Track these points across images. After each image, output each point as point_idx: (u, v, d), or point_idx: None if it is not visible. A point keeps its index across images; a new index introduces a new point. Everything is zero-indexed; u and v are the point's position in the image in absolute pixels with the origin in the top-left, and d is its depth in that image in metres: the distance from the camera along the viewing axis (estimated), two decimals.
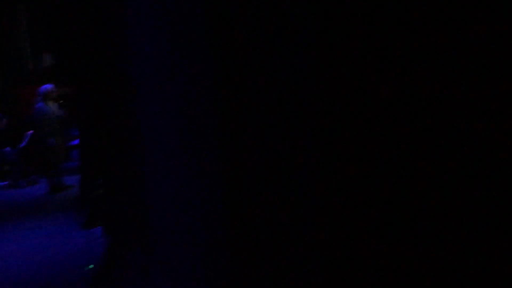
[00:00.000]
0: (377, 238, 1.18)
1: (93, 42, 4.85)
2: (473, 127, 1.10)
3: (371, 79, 1.17)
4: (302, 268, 1.27)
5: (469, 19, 1.09)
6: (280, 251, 1.32)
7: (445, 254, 1.13)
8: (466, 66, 1.11)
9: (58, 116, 7.67)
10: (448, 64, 1.12)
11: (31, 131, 8.61)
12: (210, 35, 1.46)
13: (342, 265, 1.20)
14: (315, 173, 1.21)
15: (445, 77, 1.12)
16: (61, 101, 8.08)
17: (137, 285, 2.98)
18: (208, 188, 1.65)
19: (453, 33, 1.10)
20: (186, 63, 1.71)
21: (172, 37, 1.84)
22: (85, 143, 6.89)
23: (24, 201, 7.23)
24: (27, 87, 10.63)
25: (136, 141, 2.84)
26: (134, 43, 2.57)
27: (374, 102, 1.17)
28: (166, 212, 2.26)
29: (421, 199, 1.15)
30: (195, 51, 1.61)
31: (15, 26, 10.89)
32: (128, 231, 3.72)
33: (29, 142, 8.56)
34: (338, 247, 1.19)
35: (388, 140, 1.17)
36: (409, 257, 1.15)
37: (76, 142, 10.98)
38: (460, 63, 1.11)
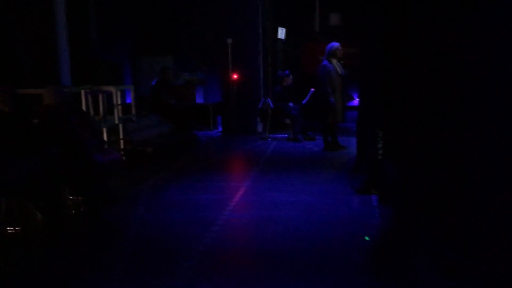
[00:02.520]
0: None
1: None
2: None
3: None
4: None
5: None
6: None
7: None
8: None
9: (340, 75, 7.58)
10: None
11: (313, 89, 8.86)
12: None
13: None
14: None
15: None
16: (343, 61, 7.93)
17: (428, 281, 2.44)
18: None
19: None
20: None
21: None
22: (365, 106, 6.58)
23: (301, 155, 7.49)
24: (312, 45, 11.02)
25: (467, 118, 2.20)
26: None
27: None
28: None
29: None
30: None
31: None
32: (421, 212, 3.18)
33: (310, 99, 8.84)
34: None
35: None
36: None
37: (353, 103, 11.01)
38: None
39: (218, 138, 9.44)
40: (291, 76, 8.96)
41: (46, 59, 7.82)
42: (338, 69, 7.59)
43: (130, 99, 9.12)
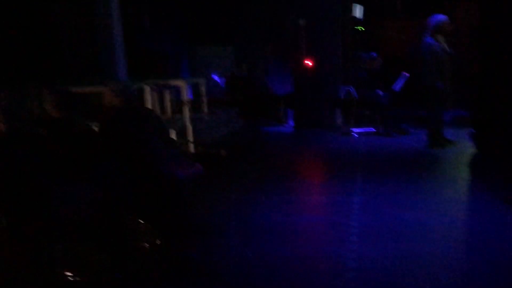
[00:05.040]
0: None
1: None
2: None
3: None
4: None
5: None
6: None
7: None
8: None
9: (449, 55, 6.18)
10: None
11: (405, 72, 7.49)
12: None
13: None
14: None
15: None
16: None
17: None
18: None
19: None
20: None
21: None
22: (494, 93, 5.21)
23: (405, 155, 6.15)
24: (392, 23, 9.58)
25: None
26: None
27: None
28: None
29: None
30: None
31: None
32: None
33: (405, 84, 7.47)
34: None
35: None
36: None
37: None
38: None
39: (292, 134, 8.24)
40: (378, 59, 7.60)
41: (100, 53, 6.94)
42: (446, 47, 6.19)
43: (190, 94, 8.10)
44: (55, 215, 2.53)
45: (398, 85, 7.46)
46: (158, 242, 3.44)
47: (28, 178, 2.47)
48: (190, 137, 5.75)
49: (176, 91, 5.58)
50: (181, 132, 5.69)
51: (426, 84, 6.19)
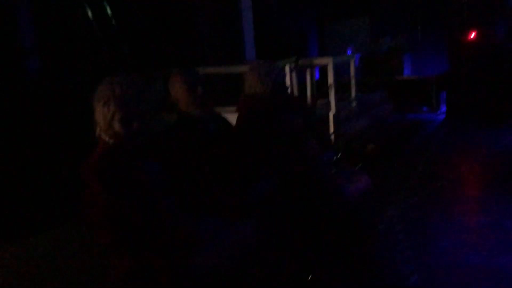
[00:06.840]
0: None
1: None
2: None
3: None
4: None
5: None
6: None
7: None
8: None
9: None
10: None
11: None
12: None
13: None
14: None
15: None
16: None
17: None
18: None
19: None
20: None
21: None
22: None
23: None
24: None
25: None
26: None
27: None
28: None
29: None
30: None
31: None
32: None
33: None
34: None
35: None
36: None
37: None
38: None
39: (446, 124, 6.82)
40: None
41: (228, 32, 6.28)
42: None
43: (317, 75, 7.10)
44: (191, 263, 1.70)
45: None
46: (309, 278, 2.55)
47: (151, 207, 1.67)
48: (331, 128, 4.76)
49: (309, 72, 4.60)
50: (322, 122, 4.72)
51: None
